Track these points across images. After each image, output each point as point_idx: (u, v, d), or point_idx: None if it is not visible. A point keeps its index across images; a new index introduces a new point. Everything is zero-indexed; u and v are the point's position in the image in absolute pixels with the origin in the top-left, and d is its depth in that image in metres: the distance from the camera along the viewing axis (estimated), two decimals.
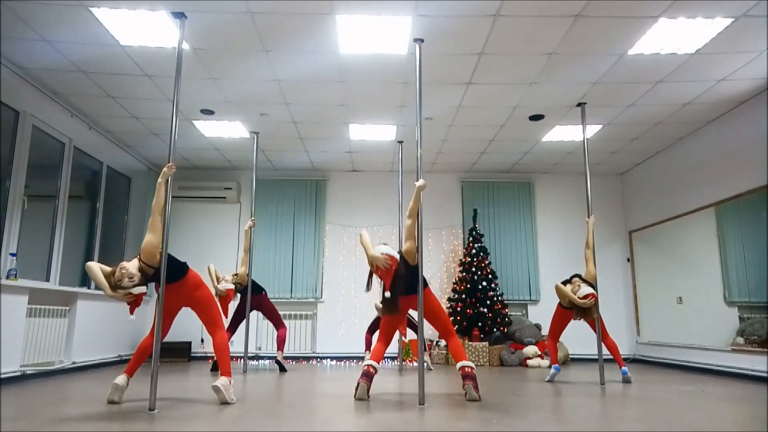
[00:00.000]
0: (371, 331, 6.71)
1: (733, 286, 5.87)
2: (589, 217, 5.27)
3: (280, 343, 6.15)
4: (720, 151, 6.07)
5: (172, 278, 3.63)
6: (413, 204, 3.94)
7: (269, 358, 7.63)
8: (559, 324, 5.36)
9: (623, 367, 5.18)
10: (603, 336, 5.13)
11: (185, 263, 3.80)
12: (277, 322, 6.25)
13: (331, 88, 5.40)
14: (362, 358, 7.66)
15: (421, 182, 3.96)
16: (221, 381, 3.65)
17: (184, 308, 3.88)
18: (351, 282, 7.99)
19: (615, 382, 5.14)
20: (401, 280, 3.94)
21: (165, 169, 3.59)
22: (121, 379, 3.67)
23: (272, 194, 8.17)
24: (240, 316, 6.22)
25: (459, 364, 4.00)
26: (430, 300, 4.10)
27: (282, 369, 6.07)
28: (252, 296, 6.12)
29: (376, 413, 3.39)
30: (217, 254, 7.88)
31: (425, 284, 4.02)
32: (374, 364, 4.03)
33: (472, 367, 3.98)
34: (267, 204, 8.09)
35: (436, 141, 6.93)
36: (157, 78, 5.17)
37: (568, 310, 5.17)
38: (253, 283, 6.22)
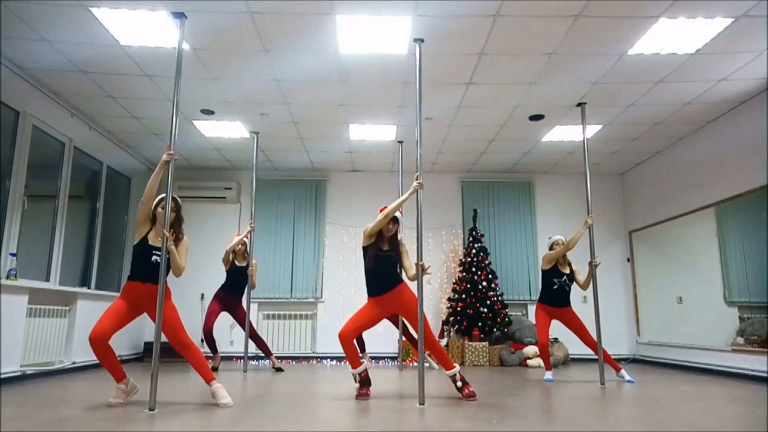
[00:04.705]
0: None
1: (733, 286, 5.87)
2: (589, 216, 5.21)
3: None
4: (720, 151, 6.06)
5: (155, 277, 3.55)
6: (396, 204, 3.99)
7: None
8: (543, 321, 5.27)
9: (619, 371, 5.28)
10: (583, 336, 5.20)
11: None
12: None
13: (331, 88, 5.40)
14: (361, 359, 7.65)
15: (415, 185, 3.92)
16: (216, 385, 3.66)
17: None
18: (351, 282, 7.98)
19: (615, 382, 5.14)
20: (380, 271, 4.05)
21: (164, 156, 3.58)
22: (120, 390, 3.63)
23: (272, 194, 8.17)
24: (217, 311, 6.07)
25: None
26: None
27: (279, 369, 6.14)
28: (234, 297, 6.11)
29: (376, 413, 3.39)
30: (217, 254, 7.84)
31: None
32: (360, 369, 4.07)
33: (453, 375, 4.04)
34: (267, 204, 8.09)
35: (436, 141, 6.93)
36: (157, 78, 5.17)
37: (547, 307, 5.29)
38: (241, 283, 6.16)
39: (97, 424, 2.96)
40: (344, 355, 4.01)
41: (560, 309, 5.27)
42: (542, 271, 5.38)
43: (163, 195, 3.68)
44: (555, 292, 5.25)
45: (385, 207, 4.00)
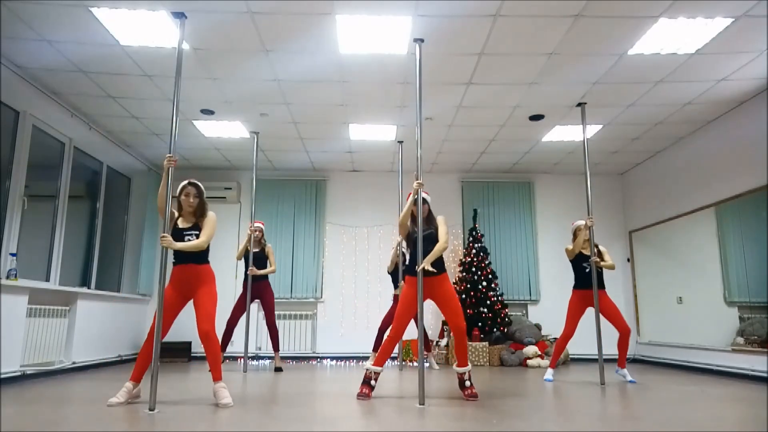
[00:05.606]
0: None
1: (733, 286, 5.87)
2: (589, 216, 5.21)
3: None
4: (720, 151, 6.06)
5: (192, 257, 3.75)
6: (406, 211, 4.07)
7: (269, 358, 7.62)
8: (575, 311, 5.20)
9: (623, 368, 5.24)
10: (617, 321, 5.10)
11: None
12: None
13: (331, 88, 5.40)
14: (365, 358, 7.65)
15: (415, 185, 3.96)
16: (220, 385, 3.67)
17: (187, 312, 3.88)
18: (351, 282, 7.98)
19: (615, 383, 5.14)
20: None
21: (165, 161, 3.64)
22: (127, 389, 3.66)
23: (272, 194, 8.17)
24: (242, 307, 6.11)
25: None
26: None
27: (279, 369, 6.12)
28: (258, 282, 6.08)
29: (376, 413, 3.39)
30: (216, 254, 7.87)
31: (442, 269, 4.07)
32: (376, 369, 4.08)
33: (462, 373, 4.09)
34: (267, 204, 8.09)
35: (436, 141, 6.93)
36: (157, 78, 5.17)
37: (582, 292, 5.21)
38: (259, 267, 6.15)
39: (97, 424, 2.96)
40: (374, 349, 4.07)
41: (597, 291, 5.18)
42: (570, 261, 5.37)
43: (184, 182, 3.85)
44: (588, 275, 5.19)
45: (410, 194, 4.14)
